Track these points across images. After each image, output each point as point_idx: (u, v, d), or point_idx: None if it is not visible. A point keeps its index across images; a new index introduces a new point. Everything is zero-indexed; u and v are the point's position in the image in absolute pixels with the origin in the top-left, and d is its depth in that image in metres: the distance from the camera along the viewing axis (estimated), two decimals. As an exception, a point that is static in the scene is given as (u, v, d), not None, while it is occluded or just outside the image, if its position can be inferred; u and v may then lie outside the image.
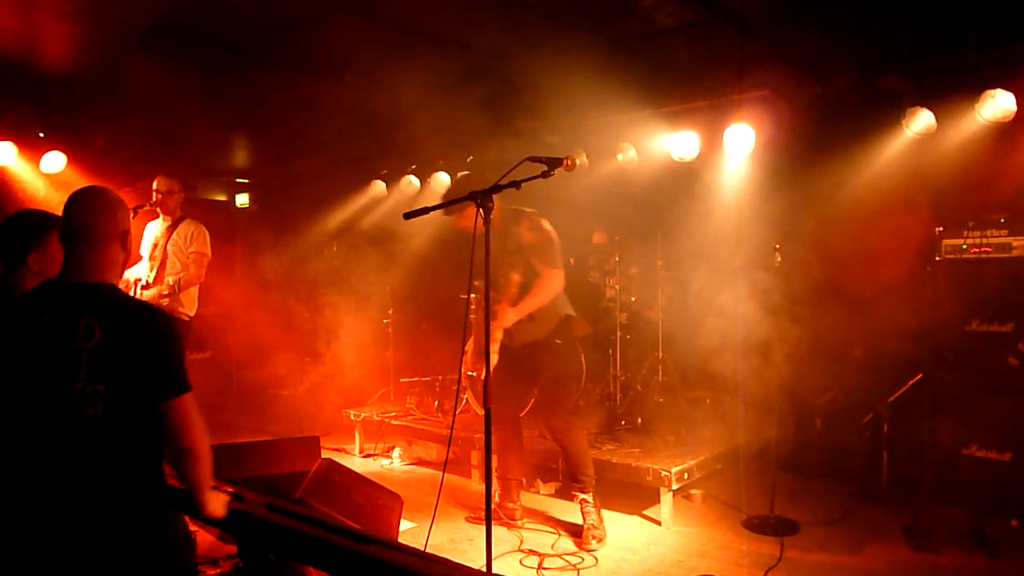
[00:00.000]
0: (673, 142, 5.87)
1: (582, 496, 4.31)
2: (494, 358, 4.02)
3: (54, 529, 2.03)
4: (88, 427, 2.05)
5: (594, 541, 4.17)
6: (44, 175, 6.59)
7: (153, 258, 5.40)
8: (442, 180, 7.38)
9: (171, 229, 5.44)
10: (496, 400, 3.95)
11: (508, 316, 4.16)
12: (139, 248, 5.46)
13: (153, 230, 5.53)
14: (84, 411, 2.04)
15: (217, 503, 2.26)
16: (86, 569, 2.04)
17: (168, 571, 2.18)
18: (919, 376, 4.63)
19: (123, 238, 2.27)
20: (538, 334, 4.31)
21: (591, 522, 4.24)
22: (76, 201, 2.24)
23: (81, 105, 6.60)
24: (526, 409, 5.41)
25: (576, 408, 4.51)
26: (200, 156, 8.47)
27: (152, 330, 2.12)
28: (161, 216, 5.49)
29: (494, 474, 4.20)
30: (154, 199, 5.37)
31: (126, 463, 2.12)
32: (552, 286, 4.25)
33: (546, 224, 4.30)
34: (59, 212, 2.72)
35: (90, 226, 2.20)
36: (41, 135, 6.57)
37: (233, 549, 3.43)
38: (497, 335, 4.16)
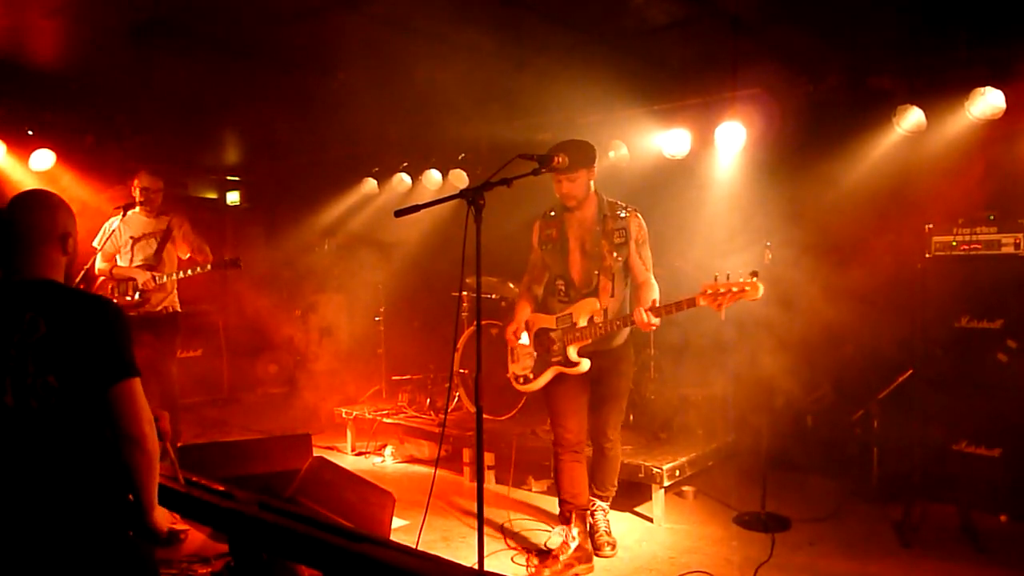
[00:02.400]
0: (665, 139, 5.88)
1: (602, 505, 4.15)
2: (586, 363, 3.81)
3: (11, 525, 2.03)
4: (41, 421, 2.06)
5: (608, 548, 4.06)
6: (33, 173, 6.55)
7: (148, 256, 5.37)
8: (433, 177, 7.38)
9: (167, 224, 5.44)
10: (568, 416, 3.91)
11: (654, 318, 3.63)
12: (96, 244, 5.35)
13: (136, 226, 5.40)
14: (34, 404, 2.05)
15: (162, 514, 2.23)
16: (40, 566, 2.04)
17: (126, 565, 2.17)
18: (909, 373, 4.65)
19: (63, 240, 2.27)
20: (617, 340, 3.94)
21: (604, 529, 4.12)
22: (16, 202, 2.26)
23: (71, 102, 6.56)
24: (518, 408, 5.43)
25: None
26: (190, 153, 8.44)
27: (96, 318, 2.13)
28: (143, 212, 5.38)
29: (567, 507, 3.96)
30: (140, 197, 5.32)
31: (82, 457, 2.11)
32: (657, 293, 3.83)
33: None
34: None
35: (29, 227, 2.22)
36: (30, 132, 6.53)
37: (224, 548, 3.42)
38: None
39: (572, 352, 3.83)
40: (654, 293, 3.78)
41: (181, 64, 5.86)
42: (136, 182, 5.36)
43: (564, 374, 3.89)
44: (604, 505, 4.17)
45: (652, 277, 3.86)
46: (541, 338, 3.97)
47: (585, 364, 3.81)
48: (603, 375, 3.94)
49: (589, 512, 4.10)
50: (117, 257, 5.40)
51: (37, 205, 2.26)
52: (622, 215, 3.85)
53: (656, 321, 3.61)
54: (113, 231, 5.34)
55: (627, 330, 3.93)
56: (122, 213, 5.27)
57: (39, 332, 2.07)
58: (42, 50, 5.69)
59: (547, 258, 4.01)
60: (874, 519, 4.52)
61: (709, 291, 3.45)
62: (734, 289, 3.38)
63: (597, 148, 3.87)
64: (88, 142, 6.98)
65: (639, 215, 3.90)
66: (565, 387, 3.93)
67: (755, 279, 3.35)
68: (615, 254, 3.80)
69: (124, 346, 2.15)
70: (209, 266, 5.41)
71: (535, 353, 3.99)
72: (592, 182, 3.84)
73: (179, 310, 5.51)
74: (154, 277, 5.27)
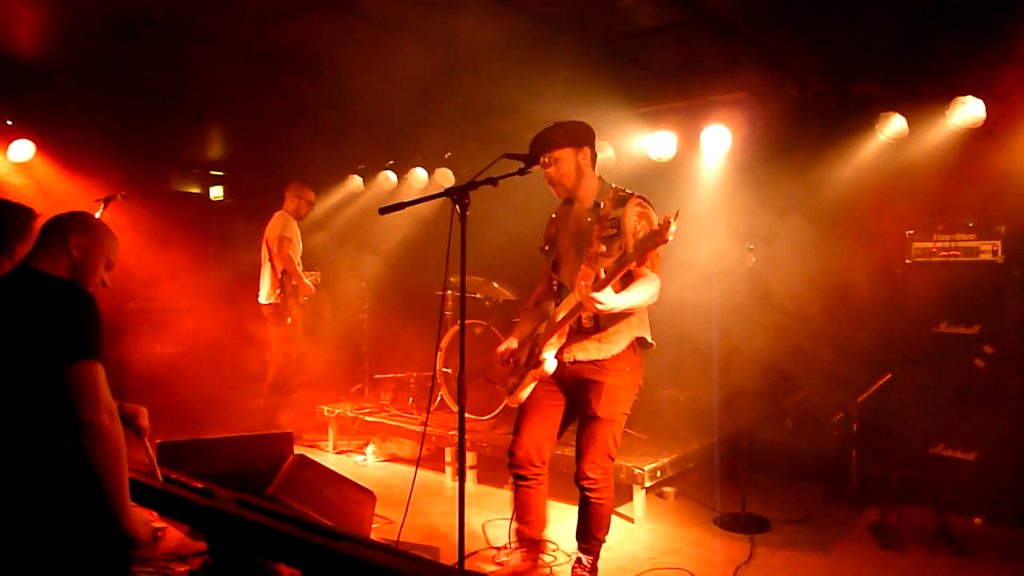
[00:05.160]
0: (651, 142, 5.90)
1: (584, 558, 3.47)
2: (551, 363, 3.28)
3: None
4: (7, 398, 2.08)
5: None
6: (12, 163, 6.46)
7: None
8: (419, 176, 7.36)
9: None
10: (522, 428, 3.41)
11: (609, 297, 2.99)
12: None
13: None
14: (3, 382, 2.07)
15: (138, 517, 2.16)
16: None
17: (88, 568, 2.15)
18: (888, 376, 4.70)
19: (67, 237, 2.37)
20: (602, 352, 3.28)
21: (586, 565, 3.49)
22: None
23: (52, 93, 6.48)
24: (500, 407, 5.43)
25: (616, 454, 3.41)
26: (173, 148, 8.36)
27: (61, 301, 2.17)
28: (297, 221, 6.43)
29: (513, 537, 3.58)
30: (306, 209, 6.50)
31: (42, 453, 2.09)
32: (655, 290, 3.20)
33: (656, 216, 3.25)
34: (30, 202, 2.71)
35: (55, 226, 2.39)
36: (9, 123, 6.44)
37: (203, 546, 3.39)
38: (585, 308, 3.10)
39: (544, 353, 3.30)
40: (641, 285, 3.16)
41: (165, 58, 5.82)
42: (306, 195, 6.46)
43: (540, 381, 3.39)
44: (585, 559, 3.48)
45: (653, 275, 3.22)
46: (526, 344, 3.52)
47: (548, 363, 3.27)
48: (582, 390, 3.31)
49: (570, 555, 3.69)
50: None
51: (73, 214, 2.45)
52: (621, 204, 3.27)
53: (602, 298, 2.96)
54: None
55: (628, 338, 3.30)
56: (103, 206, 5.23)
57: (6, 312, 2.14)
58: (24, 41, 5.64)
59: (544, 262, 3.62)
60: (852, 521, 4.56)
61: (634, 247, 2.92)
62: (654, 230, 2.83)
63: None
64: (69, 134, 6.90)
65: (644, 204, 3.28)
66: (533, 395, 3.41)
67: (672, 219, 2.76)
68: (604, 247, 3.22)
69: (84, 329, 2.12)
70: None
71: (521, 360, 3.52)
72: (588, 168, 3.40)
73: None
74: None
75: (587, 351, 3.31)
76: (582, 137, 3.40)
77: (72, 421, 2.03)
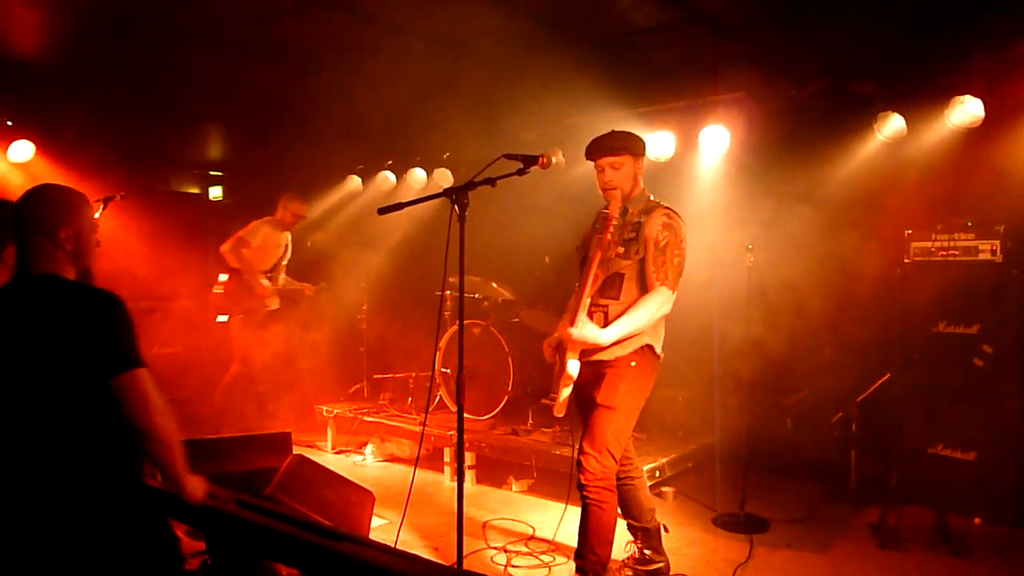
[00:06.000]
0: (649, 142, 5.89)
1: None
2: (573, 365, 3.25)
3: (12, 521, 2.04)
4: (43, 414, 2.07)
5: None
6: (12, 164, 6.46)
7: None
8: (418, 176, 7.36)
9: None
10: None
11: (590, 334, 3.16)
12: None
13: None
14: (36, 398, 2.06)
15: (195, 484, 2.26)
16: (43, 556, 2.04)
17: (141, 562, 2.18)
18: (887, 376, 4.70)
19: (51, 235, 2.23)
20: (607, 355, 3.30)
21: None
22: (20, 199, 2.29)
23: (51, 93, 6.48)
24: (499, 407, 5.43)
25: (618, 451, 3.28)
26: (172, 148, 8.36)
27: (94, 311, 2.14)
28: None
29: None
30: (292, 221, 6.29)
31: (85, 449, 2.12)
32: (658, 307, 3.24)
33: (684, 231, 3.34)
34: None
35: (24, 222, 2.25)
36: (9, 123, 6.44)
37: (202, 546, 3.39)
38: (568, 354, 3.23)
39: (568, 359, 3.28)
40: (637, 308, 3.22)
41: (164, 58, 5.82)
42: (292, 206, 6.27)
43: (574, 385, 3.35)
44: None
45: (662, 289, 3.24)
46: (562, 348, 3.44)
47: (571, 367, 3.24)
48: (588, 385, 3.33)
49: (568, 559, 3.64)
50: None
51: (32, 200, 2.28)
52: (648, 212, 3.34)
53: (587, 334, 3.14)
54: None
55: (636, 343, 3.30)
56: (102, 206, 5.22)
57: (38, 326, 2.10)
58: (23, 40, 5.63)
59: (575, 262, 3.61)
60: (851, 520, 4.57)
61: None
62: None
63: (582, 149, 3.53)
64: (68, 134, 6.89)
65: (672, 215, 3.33)
66: (578, 401, 3.46)
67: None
68: (622, 249, 3.30)
69: (123, 338, 2.14)
70: None
71: (555, 368, 3.47)
72: (640, 178, 3.45)
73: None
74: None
75: (599, 349, 3.29)
76: (641, 147, 3.47)
77: (126, 428, 2.10)
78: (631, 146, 3.42)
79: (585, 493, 3.25)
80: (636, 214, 3.36)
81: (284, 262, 6.49)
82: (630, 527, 3.64)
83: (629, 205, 3.40)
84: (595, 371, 3.32)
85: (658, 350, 3.39)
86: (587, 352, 3.29)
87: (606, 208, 3.36)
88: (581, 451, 3.27)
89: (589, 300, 3.26)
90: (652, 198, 3.44)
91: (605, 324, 3.27)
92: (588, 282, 3.23)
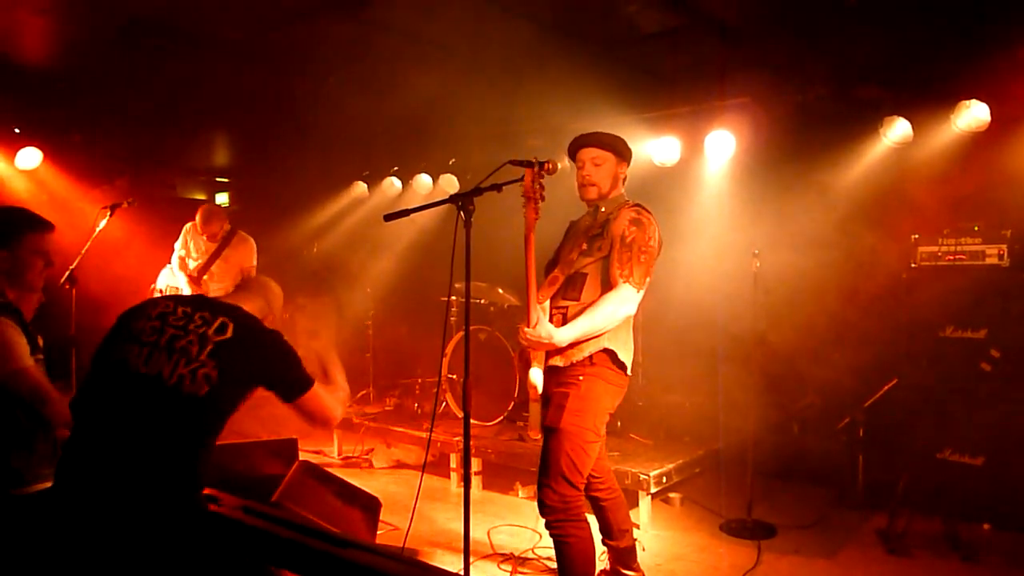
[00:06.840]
0: (655, 147, 5.90)
1: None
2: (536, 376, 3.15)
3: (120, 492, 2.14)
4: (187, 403, 2.23)
5: None
6: (20, 171, 6.50)
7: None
8: (424, 182, 7.37)
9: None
10: None
11: (544, 333, 2.99)
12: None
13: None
14: (186, 388, 2.21)
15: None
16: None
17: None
18: (894, 381, 4.68)
19: None
20: (561, 360, 3.10)
21: None
22: None
23: (59, 101, 6.52)
24: (505, 413, 5.42)
25: (579, 479, 3.02)
26: (179, 154, 8.40)
27: (272, 338, 2.40)
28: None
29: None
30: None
31: (200, 444, 2.32)
32: (620, 306, 3.02)
33: (653, 229, 3.15)
34: (37, 210, 2.72)
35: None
36: (17, 131, 6.48)
37: (208, 552, 3.39)
38: (534, 354, 3.12)
39: (532, 368, 3.16)
40: (596, 307, 3.02)
41: (170, 64, 5.85)
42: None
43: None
44: None
45: (625, 287, 3.03)
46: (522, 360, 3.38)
47: (534, 375, 3.11)
48: (550, 400, 3.13)
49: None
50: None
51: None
52: (618, 209, 3.21)
53: (542, 334, 2.97)
54: None
55: (592, 348, 3.07)
56: (109, 213, 5.25)
57: (226, 335, 2.28)
58: (31, 48, 5.67)
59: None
60: (859, 526, 4.54)
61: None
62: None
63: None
64: (75, 141, 6.93)
65: (642, 211, 3.18)
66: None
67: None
68: (584, 245, 3.16)
69: (297, 361, 2.43)
70: None
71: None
72: (620, 182, 3.34)
73: None
74: None
75: (552, 358, 3.15)
76: (625, 151, 3.39)
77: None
78: (615, 146, 3.34)
79: (549, 531, 3.01)
80: (607, 213, 3.23)
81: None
82: (603, 541, 3.50)
83: (603, 205, 3.29)
84: (556, 382, 3.13)
85: (622, 357, 3.11)
86: (548, 357, 3.13)
87: (577, 219, 3.33)
88: (538, 483, 3.03)
89: (548, 302, 3.17)
90: (627, 200, 3.31)
91: (562, 323, 3.10)
92: (534, 277, 3.05)
